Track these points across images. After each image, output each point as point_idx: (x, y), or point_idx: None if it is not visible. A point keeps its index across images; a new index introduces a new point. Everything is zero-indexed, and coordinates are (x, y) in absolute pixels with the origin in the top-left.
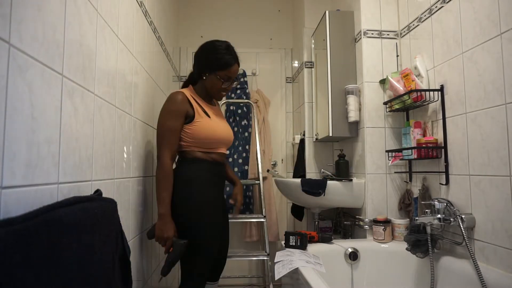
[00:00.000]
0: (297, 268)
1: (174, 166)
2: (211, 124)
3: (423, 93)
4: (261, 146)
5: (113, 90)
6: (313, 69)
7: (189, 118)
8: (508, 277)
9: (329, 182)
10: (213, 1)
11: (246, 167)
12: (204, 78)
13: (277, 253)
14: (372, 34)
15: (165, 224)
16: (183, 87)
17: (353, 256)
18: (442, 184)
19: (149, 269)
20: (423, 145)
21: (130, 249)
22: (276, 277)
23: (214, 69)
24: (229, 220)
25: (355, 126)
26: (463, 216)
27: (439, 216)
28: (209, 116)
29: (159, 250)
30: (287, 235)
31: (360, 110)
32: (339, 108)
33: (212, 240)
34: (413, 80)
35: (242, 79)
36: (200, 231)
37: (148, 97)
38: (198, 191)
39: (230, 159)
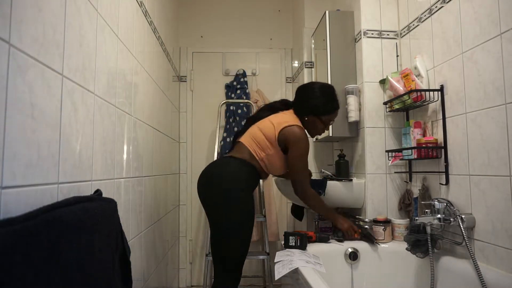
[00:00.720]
0: (297, 268)
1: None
2: (284, 163)
3: (423, 93)
4: None
5: (113, 90)
6: (313, 69)
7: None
8: (508, 277)
9: (329, 182)
10: (213, 1)
11: None
12: (306, 119)
13: (277, 253)
14: (372, 34)
15: (344, 220)
16: (281, 107)
17: (353, 256)
18: (442, 184)
19: (149, 269)
20: (423, 145)
21: (130, 249)
22: (276, 277)
23: (322, 115)
24: None
25: (355, 126)
26: (463, 216)
27: (439, 216)
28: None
29: (159, 250)
30: (287, 235)
31: (360, 110)
32: (339, 108)
33: (246, 237)
34: (413, 80)
35: (242, 79)
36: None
37: (148, 97)
38: (247, 194)
39: None
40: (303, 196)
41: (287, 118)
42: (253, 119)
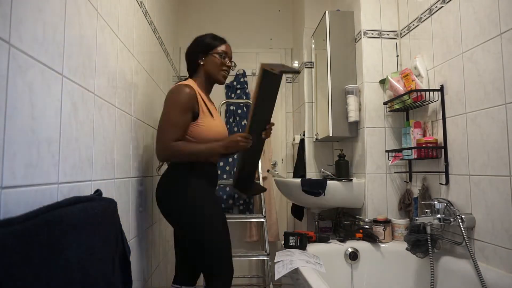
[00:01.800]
0: (297, 268)
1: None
2: (215, 125)
3: (423, 93)
4: None
5: (113, 90)
6: (313, 69)
7: (194, 115)
8: (508, 277)
9: (329, 182)
10: (213, 1)
11: None
12: (202, 63)
13: (277, 253)
14: (372, 34)
15: (229, 140)
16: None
17: (353, 256)
18: (442, 184)
19: (149, 269)
20: (423, 145)
21: (130, 249)
22: (276, 277)
23: (209, 50)
24: (229, 220)
25: (355, 126)
26: (463, 216)
27: (439, 216)
28: (212, 116)
29: (159, 250)
30: (287, 235)
31: (360, 110)
32: (339, 108)
33: (221, 237)
34: (413, 80)
35: (242, 79)
36: (209, 230)
37: (148, 97)
38: (199, 193)
39: (230, 159)
40: (165, 153)
41: None
42: None
